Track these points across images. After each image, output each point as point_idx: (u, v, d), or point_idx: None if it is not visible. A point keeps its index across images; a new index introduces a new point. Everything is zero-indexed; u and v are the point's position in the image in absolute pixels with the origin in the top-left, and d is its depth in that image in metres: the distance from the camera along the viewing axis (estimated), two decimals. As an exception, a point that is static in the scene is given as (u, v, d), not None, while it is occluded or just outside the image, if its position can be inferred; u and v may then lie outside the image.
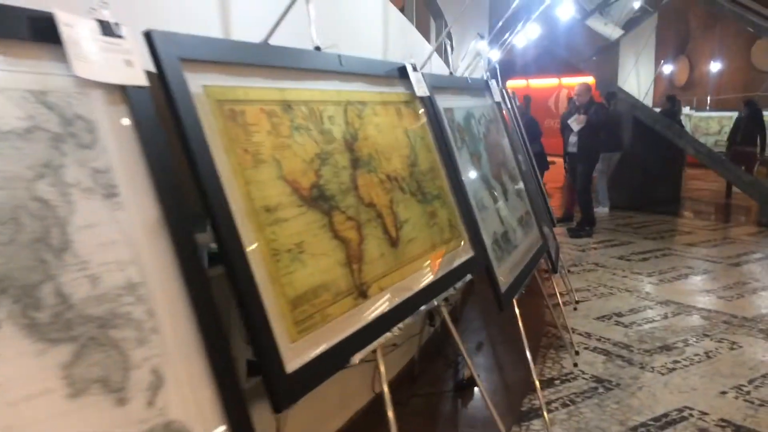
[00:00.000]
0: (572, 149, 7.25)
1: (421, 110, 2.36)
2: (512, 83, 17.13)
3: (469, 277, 2.24)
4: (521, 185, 3.46)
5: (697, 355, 3.67)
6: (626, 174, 9.12)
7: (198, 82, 1.32)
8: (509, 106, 4.40)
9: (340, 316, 1.52)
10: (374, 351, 1.64)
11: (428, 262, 2.04)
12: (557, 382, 3.30)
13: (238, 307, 1.24)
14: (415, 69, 2.38)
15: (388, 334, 1.68)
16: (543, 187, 4.55)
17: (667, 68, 13.55)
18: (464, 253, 2.33)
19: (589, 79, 9.40)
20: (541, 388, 3.13)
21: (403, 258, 1.89)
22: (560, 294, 4.80)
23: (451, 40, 5.49)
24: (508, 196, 3.11)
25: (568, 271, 5.57)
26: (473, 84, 3.12)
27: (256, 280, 1.28)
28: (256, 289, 1.27)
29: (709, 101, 13.47)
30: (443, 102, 2.62)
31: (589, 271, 5.62)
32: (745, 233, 7.34)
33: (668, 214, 8.56)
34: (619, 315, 4.41)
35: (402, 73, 2.27)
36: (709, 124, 11.77)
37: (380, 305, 1.68)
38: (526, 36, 7.21)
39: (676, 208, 8.88)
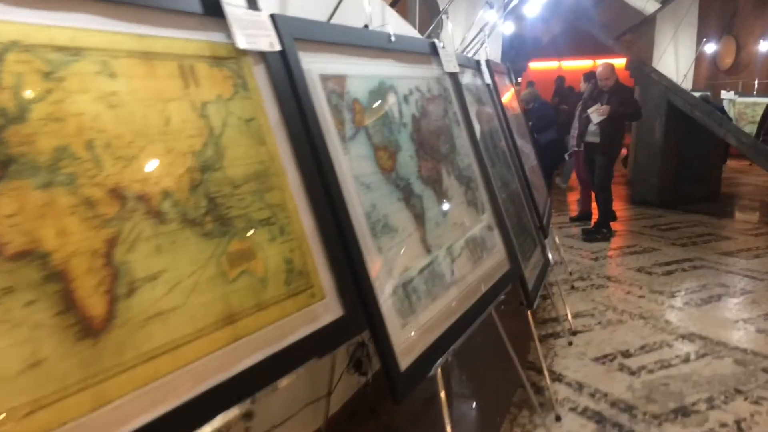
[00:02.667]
0: (592, 139, 6.19)
1: (259, 74, 1.42)
2: (539, 65, 15.97)
3: (312, 360, 1.31)
4: (482, 189, 2.49)
5: (724, 426, 2.67)
6: (657, 166, 7.99)
7: None
8: (491, 84, 3.40)
9: None
10: None
11: (212, 349, 1.11)
12: (519, 470, 2.35)
13: None
14: (254, 5, 1.43)
15: None
16: (529, 184, 3.55)
17: (710, 48, 12.18)
18: (321, 314, 1.39)
19: (617, 61, 8.25)
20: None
21: (123, 357, 0.96)
22: (554, 321, 3.82)
23: None
24: (448, 206, 2.15)
25: (572, 287, 4.58)
26: (402, 44, 2.15)
27: None
28: None
29: (756, 85, 12.06)
30: (322, 64, 1.67)
31: (598, 288, 4.60)
32: (794, 241, 6.20)
33: (704, 214, 7.42)
34: (626, 354, 3.41)
35: (212, 8, 1.32)
36: (756, 110, 10.44)
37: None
38: (537, 3, 6.18)
39: (713, 207, 7.72)
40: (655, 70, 8.48)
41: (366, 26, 2.08)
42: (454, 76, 2.53)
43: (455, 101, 2.50)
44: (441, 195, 2.12)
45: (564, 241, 6.05)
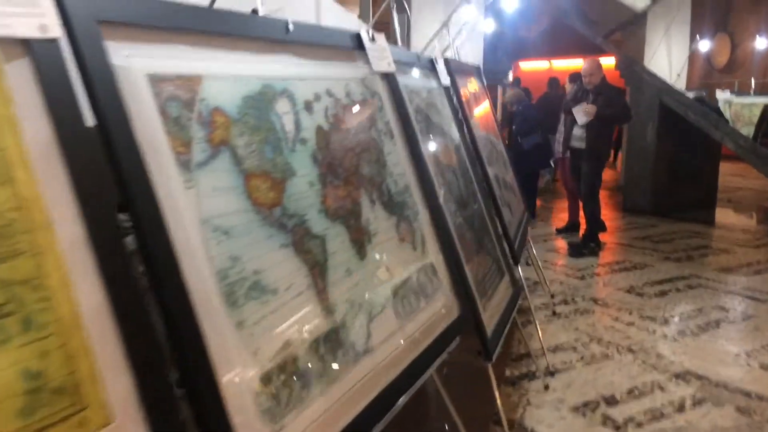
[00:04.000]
0: (577, 144, 5.72)
1: (15, 74, 0.92)
2: (529, 65, 15.49)
3: None
4: (424, 217, 2.00)
5: (729, 504, 2.18)
6: (649, 172, 7.51)
7: None
8: (448, 86, 2.91)
9: None
10: None
11: None
12: None
13: None
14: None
15: None
16: (496, 201, 3.06)
17: (704, 45, 11.70)
18: (106, 449, 0.89)
19: (607, 60, 7.77)
20: None
21: None
22: (528, 357, 3.33)
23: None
24: (368, 245, 1.65)
25: (553, 312, 4.09)
26: (307, 35, 1.65)
27: None
28: None
29: (753, 85, 11.59)
30: (155, 60, 1.17)
31: (583, 314, 4.10)
32: (798, 253, 5.72)
33: (699, 223, 6.95)
34: (611, 402, 2.91)
35: None
36: (753, 111, 9.98)
37: None
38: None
39: (709, 215, 7.23)
40: (647, 70, 8.02)
41: (255, 11, 1.58)
42: (388, 77, 2.03)
43: (389, 108, 2.00)
44: (357, 232, 1.62)
45: (548, 256, 5.56)
